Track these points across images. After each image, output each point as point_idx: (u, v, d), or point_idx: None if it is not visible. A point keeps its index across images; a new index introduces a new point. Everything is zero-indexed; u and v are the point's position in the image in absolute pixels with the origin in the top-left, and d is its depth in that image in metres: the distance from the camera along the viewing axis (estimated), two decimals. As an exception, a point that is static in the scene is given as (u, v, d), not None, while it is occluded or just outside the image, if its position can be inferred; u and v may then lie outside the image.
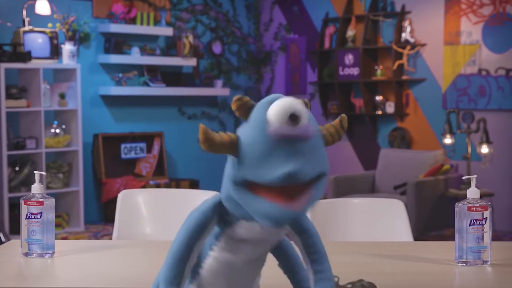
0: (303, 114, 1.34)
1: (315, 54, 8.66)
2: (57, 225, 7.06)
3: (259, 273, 1.56)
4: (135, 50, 7.96)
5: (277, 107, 1.34)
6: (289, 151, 1.32)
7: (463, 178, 2.15)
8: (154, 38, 8.27)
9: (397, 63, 7.92)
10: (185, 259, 1.47)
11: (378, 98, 8.14)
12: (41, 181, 2.28)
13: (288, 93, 9.02)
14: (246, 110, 1.39)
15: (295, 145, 1.33)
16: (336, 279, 1.41)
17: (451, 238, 6.33)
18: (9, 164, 6.92)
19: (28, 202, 2.22)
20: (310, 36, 8.80)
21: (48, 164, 7.21)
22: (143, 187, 7.71)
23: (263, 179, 1.33)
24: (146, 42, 8.19)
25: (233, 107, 1.40)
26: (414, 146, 7.98)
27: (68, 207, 7.36)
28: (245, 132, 1.38)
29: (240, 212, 1.42)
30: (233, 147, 1.37)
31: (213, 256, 1.49)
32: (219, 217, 1.47)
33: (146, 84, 8.09)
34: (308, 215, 2.82)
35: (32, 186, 2.23)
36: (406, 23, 7.91)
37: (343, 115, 1.50)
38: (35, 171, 2.32)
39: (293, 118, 1.33)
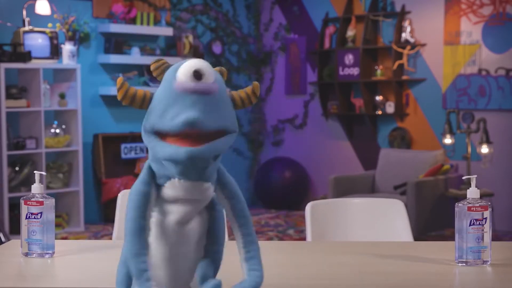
0: (207, 72, 1.50)
1: (315, 54, 8.66)
2: (57, 225, 7.06)
3: (201, 237, 1.61)
4: (135, 50, 7.96)
5: (184, 66, 1.51)
6: (190, 102, 1.48)
7: (463, 178, 2.15)
8: (154, 38, 8.27)
9: (397, 63, 7.92)
10: (142, 229, 1.53)
11: (378, 98, 8.15)
12: (41, 181, 2.28)
13: (288, 93, 9.03)
14: (162, 71, 1.57)
15: (197, 98, 1.48)
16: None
17: (451, 238, 6.32)
18: (9, 164, 6.92)
19: (28, 202, 2.22)
20: (310, 36, 8.80)
21: (48, 164, 7.21)
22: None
23: (166, 125, 1.50)
24: (146, 42, 8.19)
25: (152, 68, 1.57)
26: (414, 146, 7.98)
27: (68, 207, 7.35)
28: (158, 89, 1.56)
29: (163, 170, 1.54)
30: (145, 101, 1.56)
31: (152, 221, 1.57)
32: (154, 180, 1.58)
33: (146, 84, 8.08)
34: (308, 215, 2.83)
35: (32, 186, 2.23)
36: (406, 23, 7.91)
37: (255, 82, 1.61)
38: (35, 171, 2.32)
39: (196, 74, 1.48)
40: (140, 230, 1.52)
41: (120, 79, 1.56)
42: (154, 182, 1.57)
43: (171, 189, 1.54)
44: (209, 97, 1.49)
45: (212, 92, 1.50)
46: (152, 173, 1.57)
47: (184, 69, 1.50)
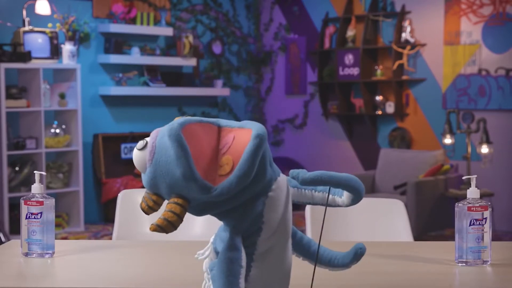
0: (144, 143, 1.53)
1: (315, 54, 8.66)
2: (57, 225, 7.06)
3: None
4: (135, 50, 7.96)
5: None
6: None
7: (463, 178, 2.15)
8: (154, 38, 8.27)
9: (397, 63, 7.91)
10: None
11: (378, 98, 8.14)
12: (41, 181, 2.28)
13: (288, 93, 9.03)
14: None
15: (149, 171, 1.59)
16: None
17: (451, 238, 6.32)
18: (9, 164, 6.92)
19: (28, 202, 2.21)
20: (310, 36, 8.80)
21: (48, 164, 7.21)
22: (143, 187, 7.70)
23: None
24: (146, 42, 8.19)
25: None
26: (414, 146, 7.98)
27: (68, 207, 7.35)
28: None
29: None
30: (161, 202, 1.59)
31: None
32: None
33: (146, 84, 8.09)
34: (308, 215, 2.82)
35: (32, 186, 2.23)
36: (406, 23, 7.91)
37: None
38: (35, 171, 2.31)
39: (140, 148, 1.55)
40: None
41: (151, 228, 1.50)
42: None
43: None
44: (152, 167, 1.52)
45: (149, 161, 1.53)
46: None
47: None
